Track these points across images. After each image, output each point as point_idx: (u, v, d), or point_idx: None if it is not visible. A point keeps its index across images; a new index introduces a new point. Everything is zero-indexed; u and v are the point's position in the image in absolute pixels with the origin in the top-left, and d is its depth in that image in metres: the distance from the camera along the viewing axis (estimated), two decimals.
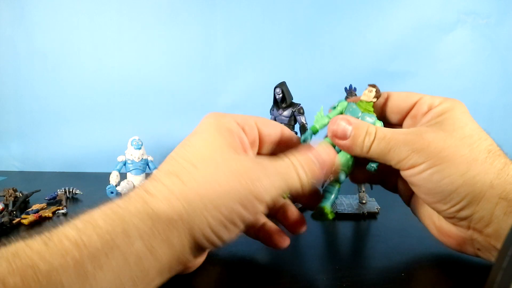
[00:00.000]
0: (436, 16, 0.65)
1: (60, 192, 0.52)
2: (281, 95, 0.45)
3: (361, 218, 0.45)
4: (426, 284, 0.31)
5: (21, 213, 0.45)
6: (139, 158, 0.54)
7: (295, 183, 0.28)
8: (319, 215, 0.32)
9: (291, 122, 0.46)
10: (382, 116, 0.33)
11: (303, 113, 0.46)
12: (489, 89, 0.67)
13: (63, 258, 0.20)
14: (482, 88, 0.67)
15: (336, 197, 0.32)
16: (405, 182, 0.30)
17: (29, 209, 0.46)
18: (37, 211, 0.46)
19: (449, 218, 0.29)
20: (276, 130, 0.32)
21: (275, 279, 0.31)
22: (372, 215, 0.45)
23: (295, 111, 0.46)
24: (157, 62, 0.68)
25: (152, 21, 0.67)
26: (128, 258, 0.22)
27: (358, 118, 0.31)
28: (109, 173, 0.53)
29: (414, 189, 0.30)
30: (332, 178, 0.32)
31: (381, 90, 0.32)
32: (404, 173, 0.29)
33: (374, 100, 0.31)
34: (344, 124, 0.30)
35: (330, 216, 0.31)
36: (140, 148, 0.54)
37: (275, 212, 0.34)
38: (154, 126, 0.69)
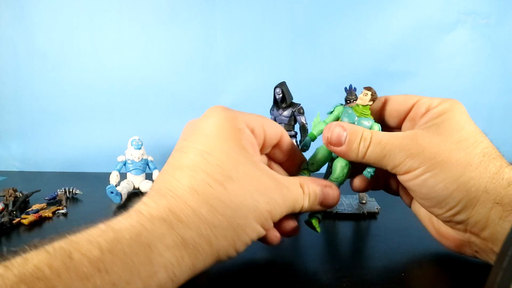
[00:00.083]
0: (436, 16, 0.65)
1: (60, 192, 0.52)
2: (281, 95, 0.45)
3: (361, 218, 0.44)
4: (426, 284, 0.31)
5: (21, 213, 0.45)
6: (139, 158, 0.54)
7: (298, 209, 0.29)
8: (309, 225, 0.34)
9: (291, 122, 0.46)
10: (381, 120, 0.33)
11: (303, 113, 0.46)
12: (489, 89, 0.67)
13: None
14: (482, 88, 0.67)
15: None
16: None
17: (29, 209, 0.46)
18: (37, 211, 0.46)
19: (446, 221, 0.30)
20: (277, 133, 0.32)
21: (275, 279, 0.31)
22: (372, 215, 0.45)
23: (295, 111, 0.45)
24: (157, 62, 0.68)
25: (152, 21, 0.67)
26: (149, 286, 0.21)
27: (354, 122, 0.31)
28: (109, 173, 0.53)
29: (411, 193, 0.30)
30: None
31: (381, 91, 0.32)
32: (400, 178, 0.29)
33: (370, 103, 0.31)
34: (338, 130, 0.30)
35: (318, 230, 0.33)
36: (140, 148, 0.54)
37: None
38: (154, 126, 0.69)
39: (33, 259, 0.19)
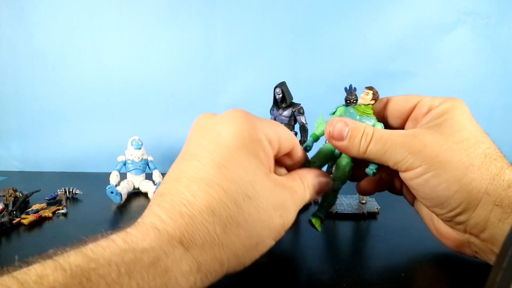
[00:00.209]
0: (436, 16, 0.65)
1: (60, 192, 0.52)
2: (281, 95, 0.45)
3: (361, 218, 0.45)
4: (426, 284, 0.31)
5: (21, 213, 0.45)
6: (139, 158, 0.54)
7: (303, 204, 0.30)
8: (311, 224, 0.34)
9: (291, 122, 0.46)
10: (383, 121, 0.33)
11: (303, 113, 0.46)
12: (489, 89, 0.67)
13: None
14: (482, 88, 0.67)
15: (331, 206, 0.34)
16: None
17: (29, 209, 0.46)
18: (37, 211, 0.46)
19: (447, 221, 0.30)
20: (291, 144, 0.31)
21: (275, 279, 0.31)
22: (372, 215, 0.45)
23: (295, 111, 0.46)
24: (157, 62, 0.68)
25: (152, 21, 0.67)
26: None
27: None
28: (109, 173, 0.53)
29: (413, 192, 0.30)
30: (330, 188, 0.33)
31: (381, 91, 0.32)
32: (402, 176, 0.29)
33: (372, 102, 0.32)
34: (340, 125, 0.30)
35: (319, 229, 0.33)
36: (140, 148, 0.54)
37: None
38: (154, 126, 0.69)
39: (49, 278, 0.18)
